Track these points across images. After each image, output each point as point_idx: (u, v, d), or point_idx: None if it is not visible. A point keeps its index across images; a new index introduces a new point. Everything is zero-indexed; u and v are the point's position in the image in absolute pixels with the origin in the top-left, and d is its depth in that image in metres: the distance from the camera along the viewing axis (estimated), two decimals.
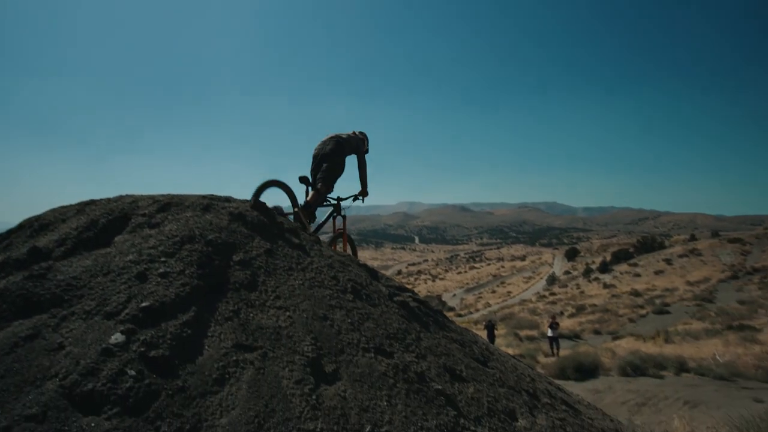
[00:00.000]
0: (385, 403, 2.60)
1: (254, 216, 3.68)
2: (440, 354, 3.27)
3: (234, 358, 2.53)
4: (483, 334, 21.02)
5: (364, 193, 5.96)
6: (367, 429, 2.39)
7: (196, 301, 2.77)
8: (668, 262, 67.19)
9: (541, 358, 19.73)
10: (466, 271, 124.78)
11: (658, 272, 62.87)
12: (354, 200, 6.04)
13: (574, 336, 30.13)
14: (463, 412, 2.83)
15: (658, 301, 41.22)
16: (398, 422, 2.52)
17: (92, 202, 3.67)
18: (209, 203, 3.66)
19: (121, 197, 3.70)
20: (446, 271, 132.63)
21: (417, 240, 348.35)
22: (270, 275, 3.20)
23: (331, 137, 5.38)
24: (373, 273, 4.06)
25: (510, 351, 20.12)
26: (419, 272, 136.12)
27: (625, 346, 23.78)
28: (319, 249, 3.80)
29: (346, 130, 5.68)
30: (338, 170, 5.23)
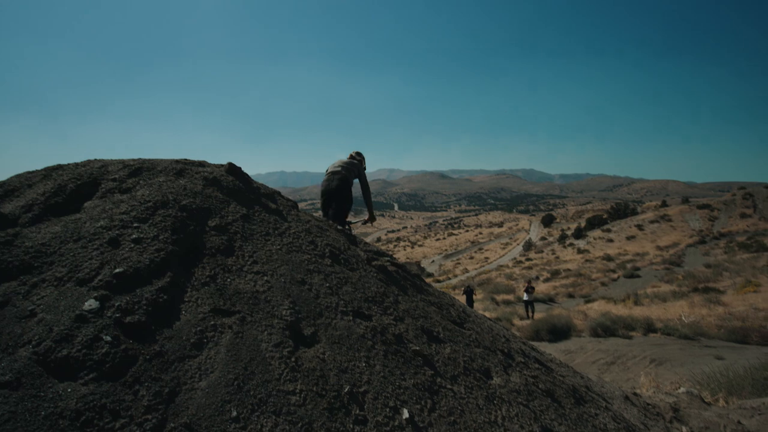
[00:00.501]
0: (364, 364, 2.64)
1: (230, 181, 3.61)
2: (418, 316, 3.32)
3: (212, 322, 2.52)
4: (462, 299, 21.48)
5: (371, 218, 6.65)
6: (346, 389, 2.44)
7: (172, 267, 2.73)
8: (640, 227, 69.03)
9: (517, 321, 20.29)
10: (444, 238, 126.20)
11: (630, 237, 64.63)
12: (363, 224, 6.70)
13: (549, 299, 30.98)
14: (439, 372, 2.90)
15: (629, 266, 42.51)
16: (377, 382, 2.57)
17: (59, 167, 3.54)
18: (183, 168, 3.57)
19: (89, 162, 3.57)
20: (425, 237, 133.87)
21: (396, 207, 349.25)
22: (247, 240, 3.17)
23: (335, 172, 5.67)
24: (351, 238, 4.06)
25: (487, 315, 20.63)
26: (398, 239, 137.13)
27: (597, 308, 24.62)
28: (297, 214, 3.77)
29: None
30: (347, 205, 5.56)
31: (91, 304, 2.38)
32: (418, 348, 2.95)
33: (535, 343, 15.39)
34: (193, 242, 2.98)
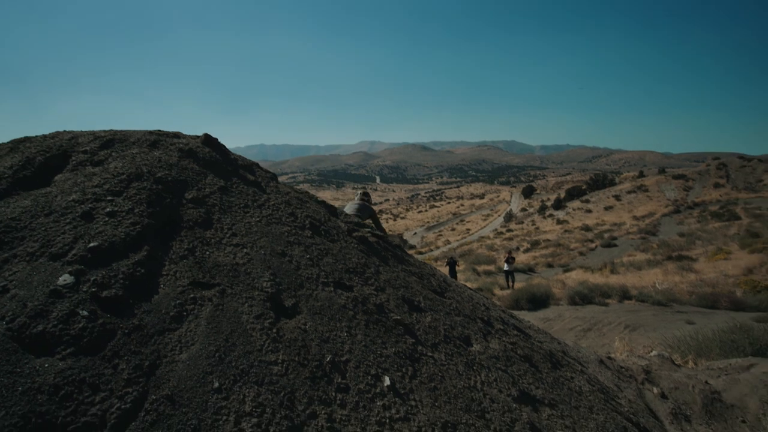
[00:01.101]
0: (345, 334, 2.67)
1: (206, 152, 3.54)
2: (399, 286, 3.35)
3: (191, 295, 2.50)
4: (444, 270, 21.73)
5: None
6: (328, 358, 2.46)
7: (149, 240, 2.69)
8: (617, 198, 70.28)
9: (498, 291, 20.68)
10: (426, 210, 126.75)
11: (607, 208, 65.83)
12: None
13: (529, 269, 31.56)
14: (420, 340, 2.95)
15: (606, 236, 43.40)
16: (358, 351, 2.60)
17: (26, 139, 3.41)
18: (157, 139, 3.48)
19: (58, 134, 3.45)
20: (407, 210, 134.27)
21: (378, 179, 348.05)
22: (225, 213, 3.13)
23: (359, 205, 6.45)
24: (332, 210, 4.03)
25: (468, 285, 20.96)
26: (381, 212, 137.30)
27: (575, 277, 25.20)
28: (276, 186, 3.72)
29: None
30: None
31: (65, 278, 2.33)
32: (399, 317, 2.98)
33: (515, 312, 15.74)
34: (169, 215, 2.93)
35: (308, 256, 3.11)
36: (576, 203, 73.46)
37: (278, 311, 2.62)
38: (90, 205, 2.74)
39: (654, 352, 5.43)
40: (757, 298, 18.03)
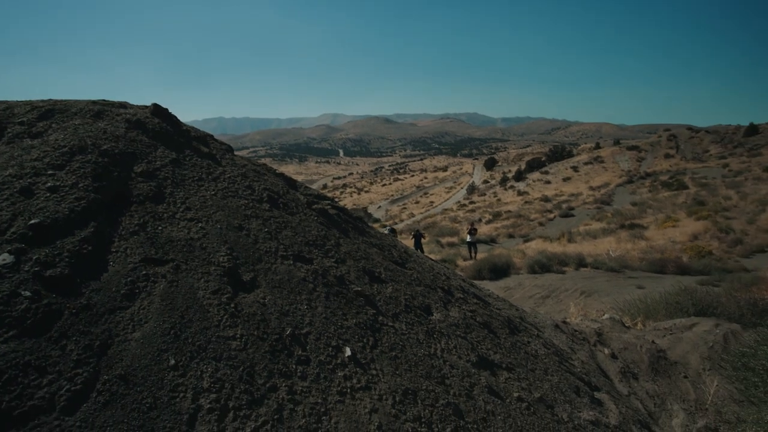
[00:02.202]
0: (306, 307, 2.65)
1: (156, 123, 3.37)
2: (360, 258, 3.34)
3: (143, 272, 2.41)
4: (410, 243, 21.94)
5: None
6: (288, 331, 2.44)
7: (95, 216, 2.56)
8: (575, 169, 72.33)
9: (461, 262, 21.09)
10: (390, 183, 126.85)
11: (566, 179, 67.71)
12: None
13: (491, 240, 32.30)
14: (381, 310, 2.97)
15: (564, 206, 44.80)
16: (318, 323, 2.59)
17: None
18: (101, 110, 3.28)
19: None
20: (371, 183, 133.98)
21: (341, 153, 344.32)
22: (178, 186, 3.01)
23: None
24: (291, 182, 3.95)
25: (432, 257, 21.28)
26: (345, 186, 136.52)
27: (535, 247, 25.99)
28: (232, 158, 3.60)
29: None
30: None
31: (5, 258, 2.20)
32: (360, 289, 2.98)
33: (477, 282, 16.13)
34: (118, 190, 2.79)
35: (266, 229, 3.04)
36: (536, 175, 75.17)
37: (236, 286, 2.57)
38: (29, 180, 2.57)
39: (606, 316, 5.70)
40: (702, 262, 19.13)
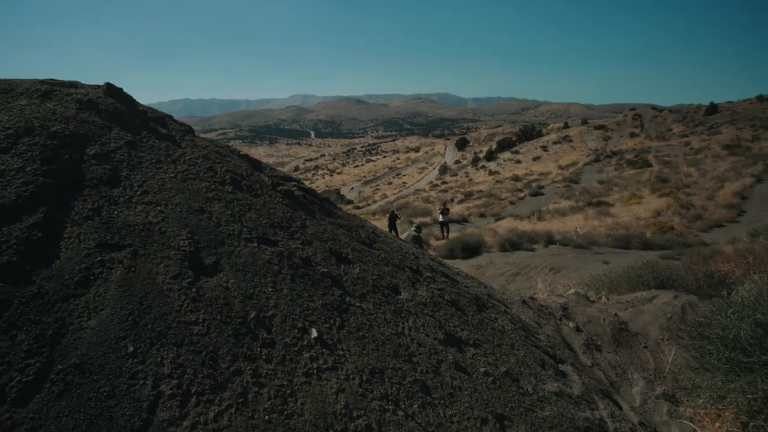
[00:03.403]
0: (270, 289, 2.61)
1: (109, 104, 3.22)
2: (326, 239, 3.31)
3: (98, 258, 2.33)
4: (385, 223, 21.98)
5: None
6: (252, 315, 2.41)
7: (45, 201, 2.44)
8: (545, 148, 73.47)
9: (433, 242, 21.28)
10: (363, 165, 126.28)
11: (535, 158, 68.76)
12: None
13: (463, 220, 32.66)
14: (348, 291, 2.95)
15: (534, 185, 45.57)
16: (284, 306, 2.56)
17: None
18: (50, 89, 3.11)
19: None
20: (343, 165, 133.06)
21: (313, 135, 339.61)
22: (135, 169, 2.90)
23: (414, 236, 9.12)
24: (255, 164, 3.87)
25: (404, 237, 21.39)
26: (317, 167, 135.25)
27: (506, 225, 26.45)
28: (192, 140, 3.49)
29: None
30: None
31: None
32: (326, 270, 2.96)
33: (449, 261, 16.32)
34: (69, 173, 2.67)
35: (229, 212, 2.97)
36: (506, 154, 76.03)
37: (198, 270, 2.51)
38: None
39: (572, 291, 5.86)
40: (664, 237, 19.84)
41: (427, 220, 31.85)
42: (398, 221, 20.94)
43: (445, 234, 22.27)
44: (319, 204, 3.77)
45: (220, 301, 2.40)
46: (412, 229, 11.39)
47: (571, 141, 76.10)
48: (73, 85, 3.33)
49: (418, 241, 10.37)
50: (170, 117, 3.67)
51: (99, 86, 3.41)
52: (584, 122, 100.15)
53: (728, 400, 3.59)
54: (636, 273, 6.52)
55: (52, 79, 3.27)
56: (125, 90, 3.53)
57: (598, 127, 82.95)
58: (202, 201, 2.94)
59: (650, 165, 44.98)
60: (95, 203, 2.58)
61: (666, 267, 6.60)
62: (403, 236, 10.94)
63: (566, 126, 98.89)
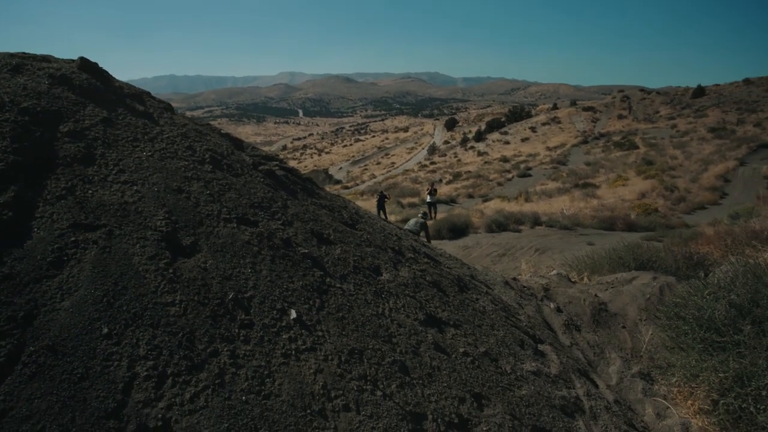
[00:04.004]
0: (249, 270, 2.59)
1: (84, 79, 3.13)
2: (308, 220, 3.29)
3: (72, 238, 2.28)
4: (373, 204, 21.95)
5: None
6: (231, 296, 2.39)
7: (16, 180, 2.38)
8: (533, 129, 73.50)
9: None
10: (351, 144, 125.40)
11: (524, 139, 68.80)
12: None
13: (451, 200, 32.77)
14: (329, 272, 2.95)
15: (522, 166, 45.70)
16: (263, 287, 2.55)
17: None
18: (20, 63, 3.00)
19: None
20: (332, 144, 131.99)
21: (301, 113, 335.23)
22: (110, 147, 2.83)
23: (422, 222, 10.66)
24: (237, 143, 3.80)
25: (392, 217, 21.42)
26: (305, 147, 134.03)
27: (493, 206, 26.59)
28: (171, 117, 3.41)
29: None
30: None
31: None
32: (307, 251, 2.94)
33: (436, 242, 16.41)
34: (41, 151, 2.60)
35: (208, 191, 2.93)
36: (495, 135, 75.95)
37: (175, 251, 2.48)
38: None
39: (554, 272, 5.93)
40: (648, 219, 20.11)
41: (415, 200, 31.89)
42: (387, 201, 20.90)
43: (433, 215, 22.34)
44: (301, 184, 3.73)
45: (198, 282, 2.38)
46: (419, 215, 11.79)
47: (559, 122, 76.20)
48: (46, 59, 3.21)
49: (424, 228, 10.88)
50: (148, 93, 3.58)
51: (73, 61, 3.30)
52: (573, 103, 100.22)
53: (701, 378, 3.69)
54: (617, 254, 6.61)
55: (23, 53, 3.15)
56: (105, 66, 3.43)
57: (586, 109, 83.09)
58: (181, 180, 2.89)
59: (637, 147, 45.30)
60: (69, 182, 2.52)
61: (646, 249, 6.69)
62: (409, 223, 11.31)
63: (555, 107, 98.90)
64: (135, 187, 2.68)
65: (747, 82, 72.33)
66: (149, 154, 2.95)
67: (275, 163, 3.65)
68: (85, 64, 3.24)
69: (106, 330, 2.02)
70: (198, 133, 3.43)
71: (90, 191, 2.54)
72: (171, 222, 2.59)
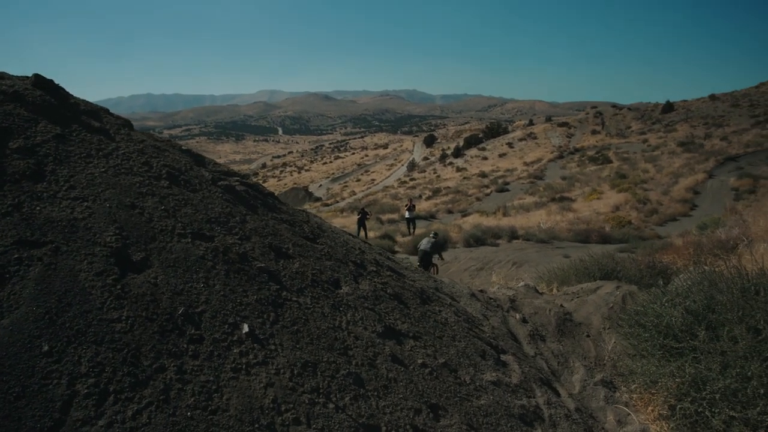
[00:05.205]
0: (202, 285, 2.58)
1: (37, 96, 3.10)
2: (266, 234, 3.28)
3: (15, 255, 2.24)
4: (353, 221, 21.93)
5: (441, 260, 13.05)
6: (180, 311, 2.37)
7: None
8: (510, 145, 74.81)
9: (399, 238, 21.40)
10: (331, 161, 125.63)
11: (502, 155, 69.92)
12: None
13: (431, 216, 32.94)
14: (285, 286, 2.94)
15: (500, 181, 46.35)
16: (215, 301, 2.53)
17: None
18: None
19: None
20: (312, 162, 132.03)
21: (280, 131, 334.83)
22: (61, 163, 2.80)
23: (426, 251, 11.64)
24: (197, 158, 3.80)
25: (372, 234, 21.42)
26: (284, 164, 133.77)
27: (472, 221, 26.84)
28: (128, 133, 3.39)
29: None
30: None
31: None
32: (263, 265, 2.94)
33: (414, 257, 16.46)
34: None
35: (163, 207, 2.91)
36: (473, 151, 77.00)
37: (124, 267, 2.45)
38: None
39: (521, 284, 6.00)
40: (621, 231, 20.53)
41: (395, 216, 31.99)
42: (368, 219, 20.88)
43: (411, 230, 22.42)
44: (262, 199, 3.73)
45: (147, 297, 2.36)
46: (431, 235, 12.24)
47: (535, 138, 77.73)
48: (0, 76, 3.19)
49: (437, 246, 11.57)
50: (106, 110, 3.56)
51: (27, 77, 3.28)
52: (548, 119, 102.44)
53: (660, 384, 3.76)
54: (583, 265, 6.74)
55: None
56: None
57: (561, 125, 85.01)
58: (134, 196, 2.87)
59: (610, 161, 46.41)
60: (15, 198, 2.49)
61: (611, 259, 6.84)
62: (422, 242, 12.01)
63: (531, 123, 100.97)
64: (85, 203, 2.65)
65: (713, 97, 75.05)
66: (103, 170, 2.93)
67: (236, 178, 3.65)
68: (39, 81, 3.22)
69: (46, 347, 1.98)
70: (156, 149, 3.42)
71: (38, 208, 2.51)
72: (122, 238, 2.56)
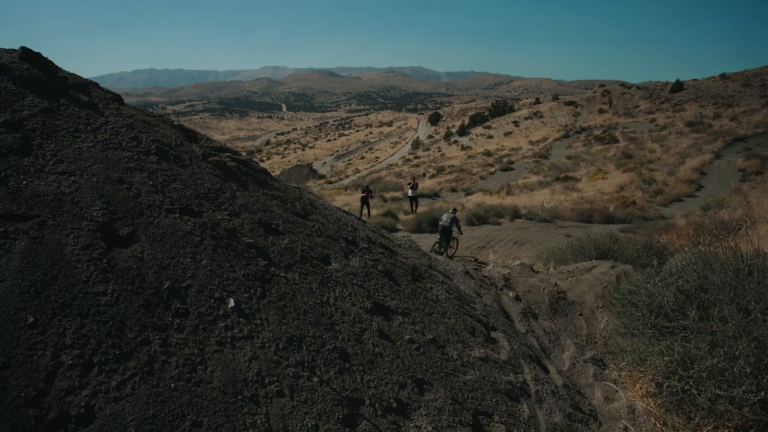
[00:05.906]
0: (189, 260, 2.59)
1: (24, 69, 3.08)
2: (256, 210, 3.29)
3: (1, 229, 2.26)
4: (356, 198, 21.88)
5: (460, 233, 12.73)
6: (166, 285, 2.39)
7: None
8: (516, 124, 74.06)
9: (402, 216, 21.40)
10: (335, 139, 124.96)
11: (507, 134, 69.29)
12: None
13: (434, 194, 32.86)
14: (274, 261, 2.96)
15: (505, 160, 46.04)
16: (202, 276, 2.55)
17: None
18: None
19: None
20: (316, 139, 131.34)
21: (284, 108, 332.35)
22: (49, 138, 2.80)
23: (445, 226, 11.77)
24: (189, 134, 3.78)
25: (375, 211, 21.42)
26: (288, 141, 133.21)
27: (475, 200, 26.75)
28: (117, 108, 3.37)
29: None
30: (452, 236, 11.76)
31: None
32: (252, 240, 2.95)
33: (416, 235, 16.47)
34: None
35: (151, 182, 2.91)
36: (479, 129, 76.32)
37: (111, 241, 2.46)
38: None
39: (517, 262, 6.00)
40: (625, 211, 20.43)
41: (399, 194, 31.94)
42: (372, 197, 20.79)
43: (414, 208, 22.40)
44: (253, 175, 3.72)
45: (133, 272, 2.38)
46: (450, 210, 12.68)
47: (542, 117, 76.84)
48: None
49: (455, 221, 11.91)
50: (95, 84, 3.53)
51: (14, 50, 3.25)
52: (555, 98, 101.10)
53: (648, 363, 3.78)
54: (579, 245, 6.73)
55: None
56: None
57: (568, 103, 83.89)
58: (122, 171, 2.87)
59: (617, 141, 45.91)
60: (2, 173, 2.49)
61: (607, 238, 6.82)
62: (442, 217, 12.25)
63: (538, 102, 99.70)
64: (72, 178, 2.65)
65: (723, 77, 73.66)
66: (90, 144, 2.92)
67: (227, 154, 3.63)
68: (26, 54, 3.19)
69: (31, 319, 2.01)
70: (146, 124, 3.40)
71: (24, 182, 2.51)
72: (108, 212, 2.57)
